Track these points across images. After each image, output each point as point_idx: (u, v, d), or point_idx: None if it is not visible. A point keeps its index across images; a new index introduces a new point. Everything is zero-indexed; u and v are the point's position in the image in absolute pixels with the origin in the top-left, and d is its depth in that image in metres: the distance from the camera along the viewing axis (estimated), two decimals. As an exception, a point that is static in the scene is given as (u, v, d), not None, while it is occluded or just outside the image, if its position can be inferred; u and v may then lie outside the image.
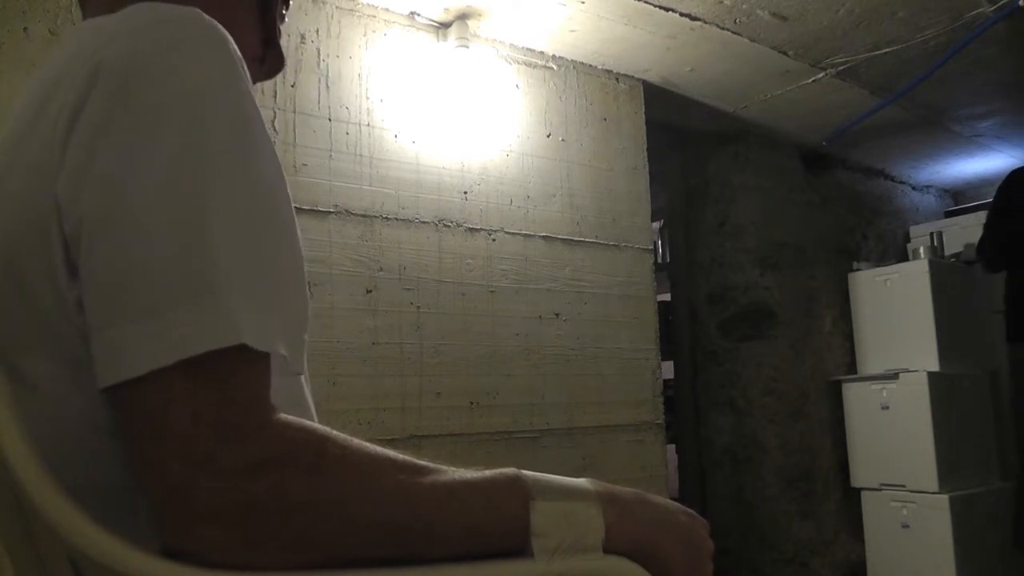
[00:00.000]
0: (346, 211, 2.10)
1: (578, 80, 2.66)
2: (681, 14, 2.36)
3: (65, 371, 0.49)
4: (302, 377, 0.61)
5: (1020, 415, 2.61)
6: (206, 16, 0.52)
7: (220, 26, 0.52)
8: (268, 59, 0.72)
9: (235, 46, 0.52)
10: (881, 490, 3.28)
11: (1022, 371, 2.63)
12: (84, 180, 0.46)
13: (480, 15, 2.32)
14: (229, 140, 0.49)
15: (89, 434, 0.49)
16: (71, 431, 0.49)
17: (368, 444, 0.48)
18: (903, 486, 3.20)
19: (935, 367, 3.19)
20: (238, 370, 0.45)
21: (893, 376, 3.28)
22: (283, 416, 0.46)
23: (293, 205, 0.54)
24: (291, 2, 0.75)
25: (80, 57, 0.50)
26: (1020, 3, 2.35)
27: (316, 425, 0.47)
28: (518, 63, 2.52)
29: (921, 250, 3.57)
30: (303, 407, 0.62)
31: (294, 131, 2.05)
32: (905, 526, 3.17)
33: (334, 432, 0.47)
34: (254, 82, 0.64)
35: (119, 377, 0.43)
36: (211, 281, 0.45)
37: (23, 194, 0.50)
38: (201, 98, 0.49)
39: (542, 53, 2.57)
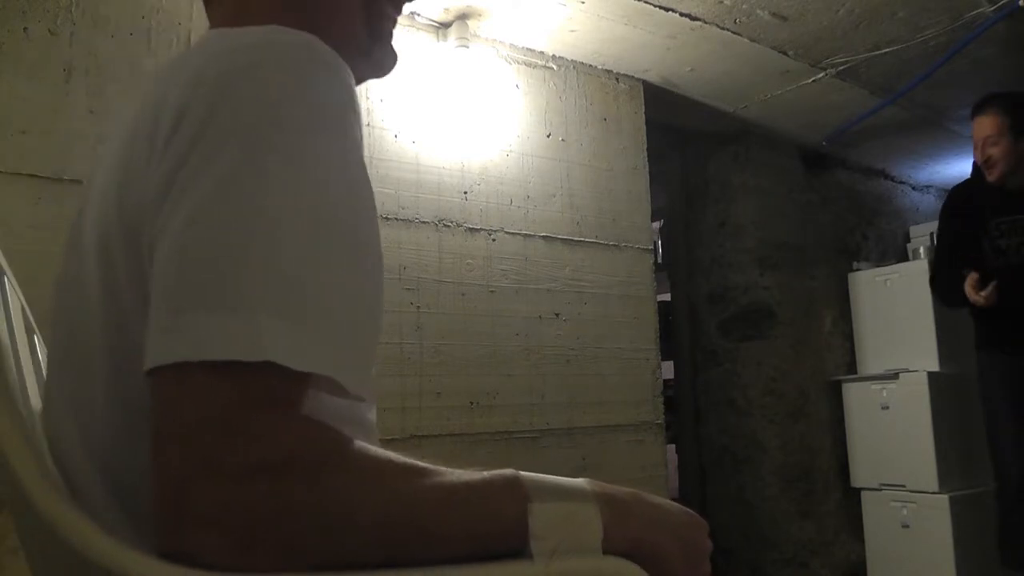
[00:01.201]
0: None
1: (578, 80, 2.66)
2: (681, 14, 2.36)
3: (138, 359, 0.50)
4: (372, 405, 0.62)
5: (990, 422, 2.61)
6: (322, 43, 0.53)
7: (336, 55, 0.53)
8: (375, 53, 0.71)
9: (351, 77, 0.54)
10: (881, 490, 3.28)
11: (988, 378, 2.63)
12: (175, 180, 0.48)
13: (480, 15, 2.32)
14: (322, 168, 0.50)
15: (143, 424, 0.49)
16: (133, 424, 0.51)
17: (368, 446, 0.48)
18: (903, 486, 3.20)
19: (935, 367, 3.19)
20: (265, 377, 0.45)
21: (893, 376, 3.28)
22: (295, 416, 0.45)
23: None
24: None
25: (192, 67, 0.52)
26: (1020, 3, 2.35)
27: (325, 426, 0.46)
28: (518, 63, 2.52)
29: (921, 250, 3.57)
30: (367, 429, 0.62)
31: (294, 131, 2.05)
32: (905, 526, 3.17)
33: (340, 433, 0.47)
34: (359, 80, 0.66)
35: (154, 361, 0.44)
36: (254, 292, 0.45)
37: (130, 195, 0.52)
38: (308, 120, 0.50)
39: (542, 53, 2.57)
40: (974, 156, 2.60)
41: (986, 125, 2.50)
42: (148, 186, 0.50)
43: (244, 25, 0.57)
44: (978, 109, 2.56)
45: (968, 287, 2.45)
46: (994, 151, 2.48)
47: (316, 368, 0.46)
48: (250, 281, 0.45)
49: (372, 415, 0.64)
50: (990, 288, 2.39)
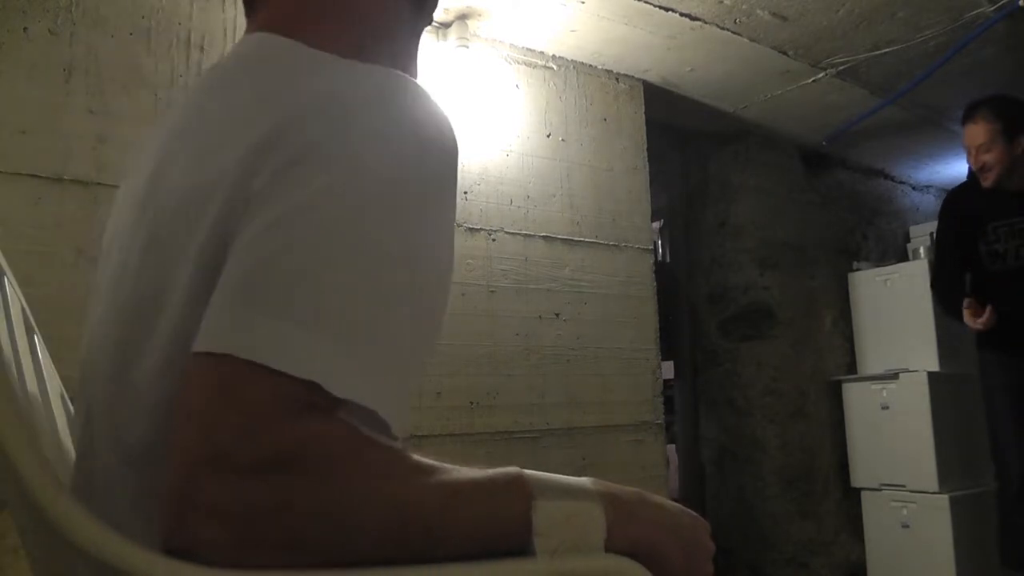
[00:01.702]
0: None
1: (578, 80, 2.66)
2: (681, 14, 2.36)
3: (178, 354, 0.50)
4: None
5: (992, 422, 2.61)
6: (431, 97, 0.56)
7: (444, 113, 0.56)
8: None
9: (455, 138, 0.56)
10: (881, 490, 3.28)
11: (989, 378, 2.63)
12: (271, 183, 0.49)
13: (480, 15, 2.32)
14: (422, 216, 0.52)
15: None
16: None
17: (377, 441, 0.48)
18: (903, 486, 3.20)
19: (935, 367, 3.19)
20: (300, 389, 0.45)
21: (893, 376, 3.28)
22: (313, 415, 0.45)
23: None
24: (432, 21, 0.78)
25: (302, 94, 0.53)
26: (1020, 3, 2.35)
27: (335, 422, 0.47)
28: (518, 63, 2.52)
29: (921, 250, 3.57)
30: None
31: (294, 131, 2.05)
32: (905, 526, 3.17)
33: (353, 429, 0.47)
34: (423, 29, 0.71)
35: (201, 347, 0.45)
36: (319, 312, 0.46)
37: (218, 201, 0.51)
38: (407, 172, 0.52)
39: (542, 53, 2.57)
40: (968, 162, 2.59)
41: (977, 133, 2.49)
42: (244, 186, 0.50)
43: (310, 34, 0.58)
44: (967, 117, 2.55)
45: (967, 317, 2.47)
46: (988, 157, 2.48)
47: (355, 397, 0.47)
48: (318, 300, 0.46)
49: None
50: (987, 314, 2.41)
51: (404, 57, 0.68)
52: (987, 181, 2.51)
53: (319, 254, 0.47)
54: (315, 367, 0.45)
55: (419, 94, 0.55)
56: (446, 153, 0.55)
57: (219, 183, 0.51)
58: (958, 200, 2.72)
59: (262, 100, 0.54)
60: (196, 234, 0.52)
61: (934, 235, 3.67)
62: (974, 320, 2.44)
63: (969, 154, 2.55)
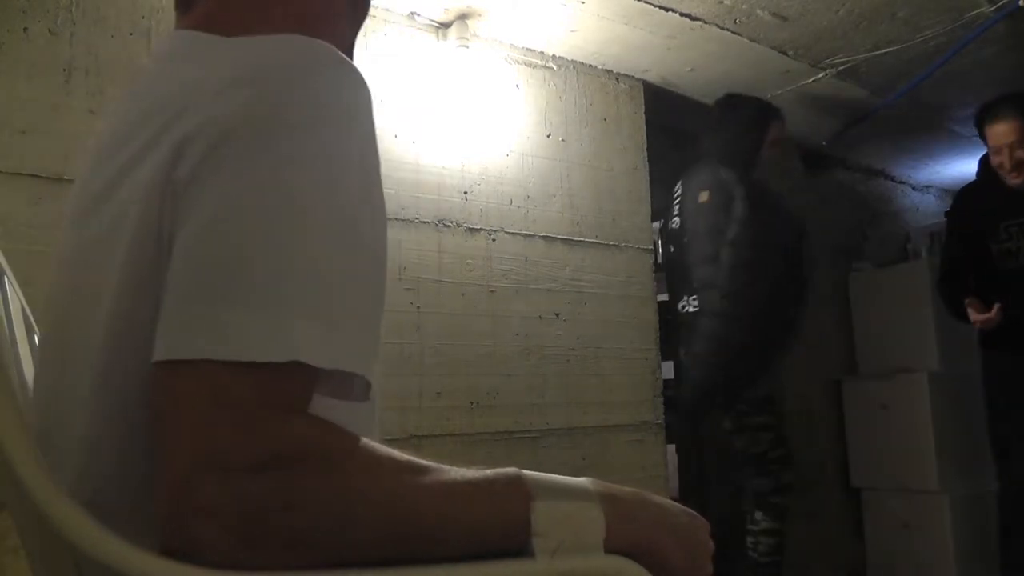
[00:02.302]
0: (346, 211, 2.10)
1: (578, 80, 2.66)
2: (681, 14, 2.36)
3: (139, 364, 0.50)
4: (372, 406, 0.63)
5: (993, 422, 2.61)
6: (338, 52, 0.55)
7: (355, 66, 0.56)
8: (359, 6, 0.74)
9: (368, 87, 0.56)
10: (881, 490, 3.28)
11: (992, 378, 2.63)
12: (196, 178, 0.48)
13: (480, 15, 2.32)
14: (345, 176, 0.51)
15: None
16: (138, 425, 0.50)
17: (373, 444, 0.48)
18: (903, 486, 3.20)
19: (935, 367, 3.19)
20: (283, 379, 0.45)
21: (893, 376, 3.28)
22: (302, 415, 0.46)
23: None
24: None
25: (212, 75, 0.52)
26: (1020, 3, 2.35)
27: (330, 424, 0.47)
28: (518, 63, 2.52)
29: (922, 250, 3.57)
30: (370, 431, 0.63)
31: (294, 131, 2.05)
32: (905, 526, 3.17)
33: (345, 431, 0.47)
34: (351, 38, 0.72)
35: (170, 354, 0.44)
36: (285, 290, 0.46)
37: (139, 200, 0.51)
38: (321, 126, 0.51)
39: (542, 53, 2.57)
40: (993, 161, 2.53)
41: (1008, 130, 2.44)
42: (167, 178, 0.49)
43: (242, 30, 0.57)
44: (994, 114, 2.50)
45: (971, 313, 2.45)
46: (1022, 154, 2.43)
47: (344, 365, 0.47)
48: (273, 279, 0.46)
49: (375, 415, 0.64)
50: (993, 312, 2.40)
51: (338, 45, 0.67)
52: (1018, 179, 2.46)
53: (262, 238, 0.46)
54: (293, 347, 0.44)
55: (326, 54, 0.54)
56: (362, 109, 0.54)
57: (142, 180, 0.51)
58: (969, 198, 2.71)
59: (175, 93, 0.54)
60: (123, 234, 0.51)
61: (940, 235, 3.68)
62: (977, 315, 2.43)
63: (997, 152, 2.49)
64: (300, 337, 0.45)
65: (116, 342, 0.51)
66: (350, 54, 0.73)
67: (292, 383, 0.45)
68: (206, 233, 0.46)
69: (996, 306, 2.39)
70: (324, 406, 0.47)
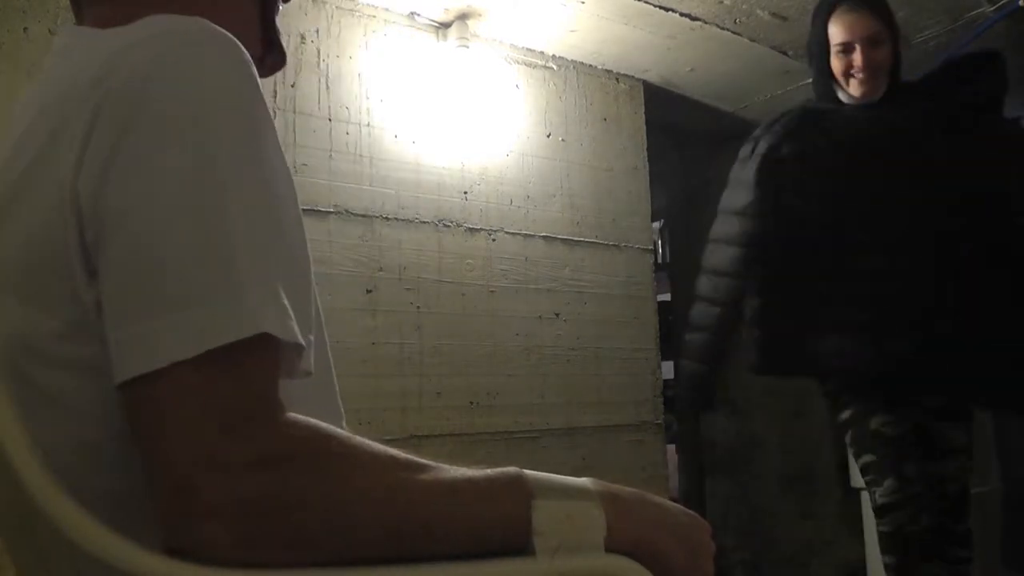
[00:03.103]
0: (346, 211, 2.10)
1: (578, 80, 2.66)
2: (681, 14, 2.36)
3: (83, 379, 0.49)
4: (333, 377, 0.64)
5: (994, 423, 2.61)
6: (216, 26, 0.53)
7: (230, 35, 0.53)
8: (269, 58, 0.73)
9: (247, 54, 0.53)
10: (881, 490, 3.27)
11: None
12: (105, 184, 0.47)
13: (480, 15, 2.32)
14: (241, 144, 0.50)
15: (108, 441, 0.49)
16: (89, 439, 0.50)
17: (370, 442, 0.48)
18: (903, 486, 3.19)
19: (935, 367, 3.18)
20: (252, 364, 0.45)
21: (893, 376, 3.28)
22: (290, 414, 0.46)
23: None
24: (289, 0, 0.76)
25: (94, 66, 0.51)
26: (1020, 3, 2.35)
27: (321, 424, 0.47)
28: (518, 63, 2.52)
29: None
30: (333, 407, 0.63)
31: (294, 131, 2.05)
32: (905, 526, 3.17)
33: (338, 430, 0.47)
34: (266, 15, 0.69)
35: (138, 370, 0.44)
36: (230, 275, 0.46)
37: (40, 204, 0.50)
38: (214, 102, 0.50)
39: (542, 53, 2.57)
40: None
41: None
42: (71, 189, 0.48)
43: (121, 21, 0.55)
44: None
45: None
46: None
47: (295, 337, 0.47)
48: (212, 272, 0.46)
49: (336, 399, 0.65)
50: None
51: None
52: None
53: (188, 236, 0.46)
54: (255, 322, 0.45)
55: (196, 31, 0.52)
56: (240, 72, 0.52)
57: (45, 188, 0.50)
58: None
59: (58, 94, 0.53)
60: (28, 243, 0.51)
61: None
62: None
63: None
64: (257, 314, 0.45)
65: (46, 358, 0.50)
66: (268, 42, 0.71)
67: (262, 364, 0.45)
68: (131, 243, 0.46)
69: None
70: (288, 392, 0.47)
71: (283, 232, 0.51)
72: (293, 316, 0.48)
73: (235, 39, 0.53)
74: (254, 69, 0.53)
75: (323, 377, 0.63)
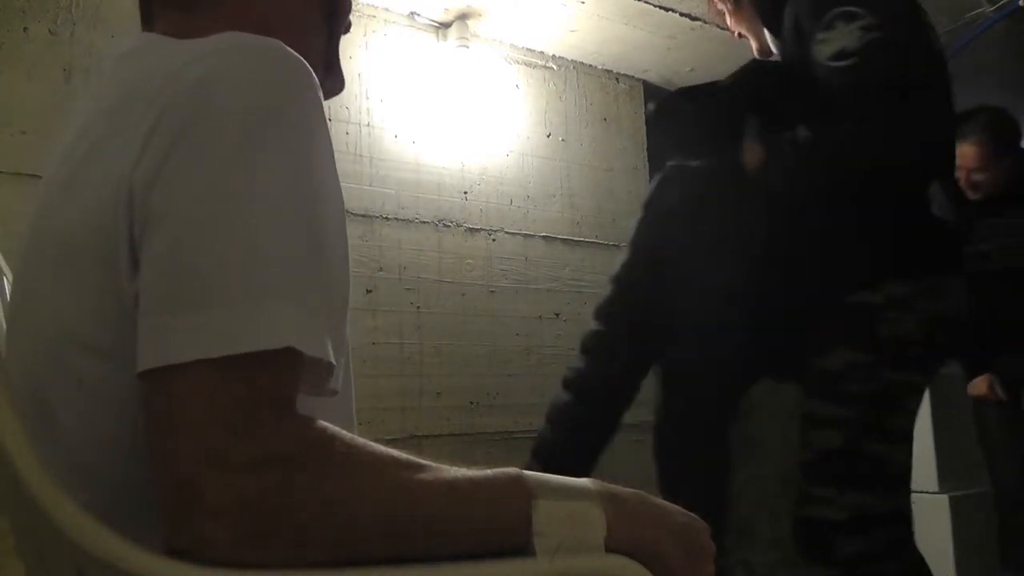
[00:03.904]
0: (346, 211, 2.10)
1: (578, 80, 2.66)
2: (681, 14, 2.37)
3: (111, 366, 0.50)
4: (352, 394, 0.64)
5: (981, 427, 2.62)
6: (288, 48, 0.54)
7: (300, 57, 0.54)
8: (327, 82, 0.74)
9: (314, 76, 0.54)
10: (881, 490, 3.27)
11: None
12: (156, 182, 0.48)
13: (480, 15, 2.32)
14: (293, 161, 0.51)
15: (124, 430, 0.49)
16: (108, 426, 0.51)
17: (372, 443, 0.48)
18: (903, 486, 3.20)
19: (935, 367, 3.18)
20: (272, 374, 0.45)
21: (893, 376, 3.28)
22: (298, 415, 0.46)
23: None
24: (351, 25, 0.78)
25: (167, 72, 0.52)
26: (1020, 3, 2.35)
27: (326, 425, 0.47)
28: (518, 63, 2.52)
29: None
30: (348, 422, 0.63)
31: (294, 131, 2.05)
32: (905, 526, 3.17)
33: (341, 431, 0.47)
34: (329, 52, 0.71)
35: (160, 361, 0.44)
36: (265, 282, 0.46)
37: (97, 195, 0.51)
38: (272, 117, 0.51)
39: (542, 53, 2.57)
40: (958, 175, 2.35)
41: (969, 154, 2.29)
42: (127, 184, 0.49)
43: (198, 34, 0.57)
44: (960, 133, 2.31)
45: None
46: (981, 177, 2.31)
47: (324, 354, 0.47)
48: (249, 277, 0.46)
49: (352, 415, 0.65)
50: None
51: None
52: (976, 195, 2.35)
53: (233, 240, 0.46)
54: (282, 334, 0.45)
55: (271, 49, 0.54)
56: (306, 94, 0.54)
57: (102, 177, 0.51)
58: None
59: (130, 95, 0.54)
60: (81, 228, 0.52)
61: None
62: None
63: (957, 170, 2.30)
64: (287, 326, 0.45)
65: (85, 348, 0.51)
66: (328, 66, 0.73)
67: (283, 374, 0.46)
68: (176, 239, 0.47)
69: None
70: (305, 405, 0.47)
71: (323, 249, 0.51)
72: (327, 333, 0.48)
73: (305, 61, 0.54)
74: (319, 92, 0.54)
75: (344, 396, 0.63)
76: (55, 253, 0.54)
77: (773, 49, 1.46)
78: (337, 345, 0.50)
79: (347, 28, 0.76)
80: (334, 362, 0.48)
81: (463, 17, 2.32)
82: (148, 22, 0.67)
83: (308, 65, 0.54)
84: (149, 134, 0.49)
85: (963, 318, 1.28)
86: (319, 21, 0.72)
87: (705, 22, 2.42)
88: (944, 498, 3.04)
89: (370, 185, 2.16)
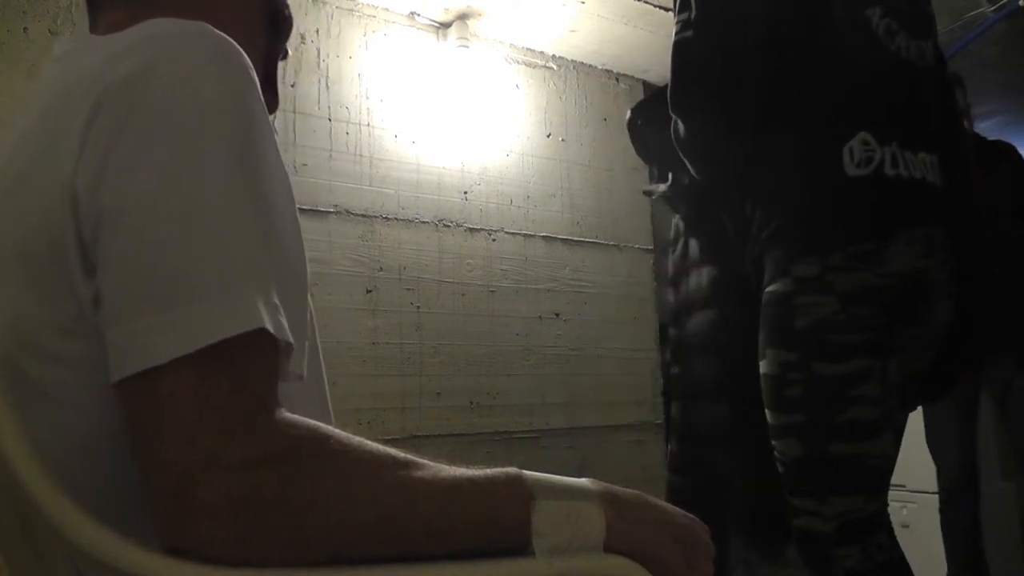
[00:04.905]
0: (346, 211, 2.10)
1: (578, 80, 2.66)
2: (681, 14, 2.37)
3: (77, 375, 0.49)
4: (324, 383, 0.63)
5: (930, 423, 2.61)
6: (216, 30, 0.53)
7: (230, 38, 0.53)
8: (265, 98, 0.73)
9: (246, 57, 0.53)
10: (881, 490, 3.27)
11: None
12: (101, 180, 0.47)
13: (480, 15, 2.32)
14: (236, 144, 0.50)
15: (101, 437, 0.49)
16: (82, 435, 0.50)
17: (368, 442, 0.48)
18: (903, 486, 3.19)
19: (935, 367, 3.18)
20: (250, 362, 0.45)
21: (893, 376, 3.27)
22: (287, 414, 0.46)
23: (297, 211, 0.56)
24: (289, 53, 0.77)
25: (95, 67, 0.51)
26: (1020, 3, 2.35)
27: (319, 423, 0.47)
28: (518, 63, 2.52)
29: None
30: (324, 412, 0.63)
31: (294, 131, 2.05)
32: (905, 526, 3.17)
33: (336, 430, 0.47)
34: (270, 54, 0.70)
35: (135, 368, 0.44)
36: (225, 274, 0.46)
37: (38, 199, 0.50)
38: (210, 102, 0.50)
39: (542, 53, 2.57)
40: None
41: None
42: (69, 186, 0.48)
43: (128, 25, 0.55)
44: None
45: None
46: None
47: (283, 336, 0.47)
48: (210, 269, 0.46)
49: (327, 399, 0.66)
50: None
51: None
52: None
53: (187, 234, 0.46)
54: (254, 318, 0.45)
55: (200, 32, 0.53)
56: (240, 74, 0.52)
57: (43, 181, 0.50)
58: None
59: (62, 96, 0.53)
60: (22, 236, 0.51)
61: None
62: None
63: None
64: (254, 309, 0.45)
65: (41, 355, 0.50)
66: (270, 69, 0.72)
67: (260, 360, 0.46)
68: (133, 238, 0.46)
69: None
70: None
71: (276, 233, 0.51)
72: (284, 316, 0.48)
73: (235, 42, 0.53)
74: (253, 72, 0.53)
75: (315, 383, 0.63)
76: (2, 266, 0.53)
77: None
78: (298, 327, 0.50)
79: (284, 55, 0.75)
80: (291, 341, 0.48)
81: (463, 17, 2.32)
82: (94, 25, 0.66)
83: (236, 44, 0.53)
84: (85, 132, 0.48)
85: (908, 284, 1.11)
86: (261, 31, 0.70)
87: (705, 22, 2.42)
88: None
89: (370, 185, 2.16)
